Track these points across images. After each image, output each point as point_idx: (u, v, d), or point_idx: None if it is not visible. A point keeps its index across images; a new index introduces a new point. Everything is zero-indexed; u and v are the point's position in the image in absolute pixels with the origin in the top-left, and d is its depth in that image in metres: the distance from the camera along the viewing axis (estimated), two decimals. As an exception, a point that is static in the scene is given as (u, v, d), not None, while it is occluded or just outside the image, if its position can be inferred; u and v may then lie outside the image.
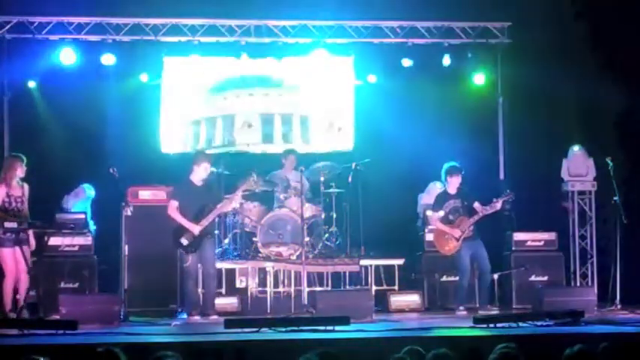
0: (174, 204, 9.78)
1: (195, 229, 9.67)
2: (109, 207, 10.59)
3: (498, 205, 10.25)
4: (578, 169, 11.54)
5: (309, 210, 10.96)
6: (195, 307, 9.86)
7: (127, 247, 9.95)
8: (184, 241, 9.72)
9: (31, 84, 11.68)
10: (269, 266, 10.74)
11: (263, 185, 11.01)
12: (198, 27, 11.79)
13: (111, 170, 9.73)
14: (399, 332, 8.35)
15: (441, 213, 10.35)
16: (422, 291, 10.96)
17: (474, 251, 10.27)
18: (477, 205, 10.28)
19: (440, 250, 10.44)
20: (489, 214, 10.27)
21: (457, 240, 10.22)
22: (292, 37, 11.95)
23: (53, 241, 9.91)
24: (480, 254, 10.28)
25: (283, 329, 8.31)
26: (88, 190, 11.05)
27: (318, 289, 10.63)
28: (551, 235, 11.26)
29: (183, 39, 11.82)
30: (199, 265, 9.94)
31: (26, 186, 9.54)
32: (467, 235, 10.24)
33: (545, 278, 11.02)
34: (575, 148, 11.48)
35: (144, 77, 11.93)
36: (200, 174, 9.88)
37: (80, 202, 11.01)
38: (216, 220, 10.28)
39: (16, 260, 9.23)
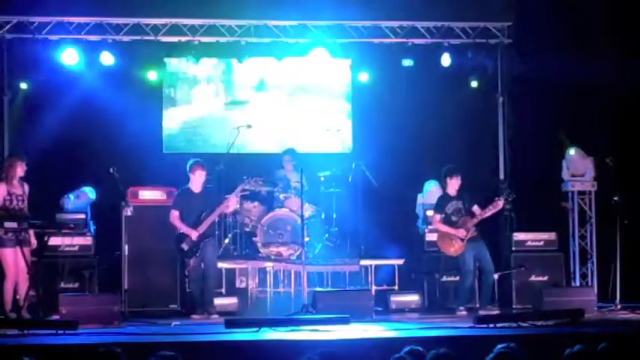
0: (175, 213, 10.15)
1: (193, 234, 10.03)
2: (109, 207, 10.61)
3: (500, 203, 10.24)
4: (577, 169, 11.55)
5: (309, 210, 10.97)
6: (198, 308, 10.08)
7: (127, 247, 9.97)
8: (185, 247, 10.09)
9: (31, 84, 11.67)
10: (269, 266, 10.76)
11: (263, 185, 11.03)
12: (198, 27, 11.77)
13: (111, 170, 9.75)
14: (399, 332, 8.36)
15: (442, 214, 10.35)
16: (422, 291, 10.96)
17: (477, 252, 10.27)
18: (475, 208, 10.30)
19: (445, 252, 10.43)
20: (490, 215, 10.32)
21: (462, 240, 10.22)
22: (292, 37, 11.94)
23: (53, 241, 9.90)
24: (483, 255, 10.28)
25: (283, 329, 8.32)
26: (90, 194, 11.04)
27: (318, 289, 10.62)
28: (551, 235, 11.26)
29: (183, 39, 11.81)
30: (202, 266, 10.16)
31: (26, 185, 9.54)
32: (471, 235, 10.24)
33: (545, 278, 11.03)
34: (572, 151, 11.48)
35: (148, 76, 11.92)
36: (197, 181, 10.18)
37: (81, 204, 10.99)
38: (216, 220, 10.40)
39: (16, 260, 9.24)
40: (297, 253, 10.55)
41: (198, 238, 10.05)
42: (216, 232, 10.83)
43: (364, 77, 12.41)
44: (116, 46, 11.64)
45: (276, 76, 12.61)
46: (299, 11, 11.72)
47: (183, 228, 10.07)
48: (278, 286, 10.84)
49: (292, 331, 8.31)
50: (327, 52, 11.81)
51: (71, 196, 10.96)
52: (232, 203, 10.28)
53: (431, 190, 11.48)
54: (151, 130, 12.31)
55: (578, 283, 11.37)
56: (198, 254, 10.07)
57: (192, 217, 10.10)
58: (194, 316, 10.01)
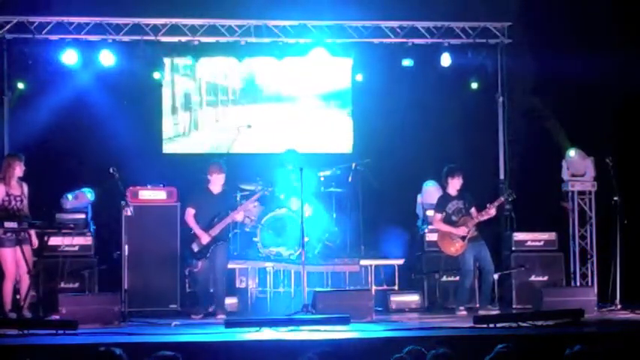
0: (191, 212, 10.09)
1: (204, 238, 9.96)
2: (109, 207, 10.60)
3: (492, 211, 10.28)
4: (577, 169, 11.55)
5: (308, 210, 10.97)
6: (202, 308, 10.08)
7: (127, 247, 9.97)
8: (194, 247, 10.04)
9: (31, 84, 11.67)
10: (269, 266, 10.76)
11: (263, 186, 11.03)
12: (198, 27, 11.78)
13: (111, 170, 9.74)
14: (399, 332, 8.37)
15: (443, 214, 10.35)
16: (422, 291, 10.96)
17: (477, 252, 10.27)
18: (473, 210, 10.31)
19: (445, 252, 10.42)
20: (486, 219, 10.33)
21: (463, 239, 10.21)
22: (292, 37, 11.94)
23: (53, 241, 9.90)
24: (484, 255, 10.29)
25: (283, 329, 8.32)
26: (88, 194, 11.04)
27: (318, 289, 10.62)
28: (551, 235, 11.26)
29: (183, 39, 11.81)
30: (211, 267, 10.11)
31: (25, 185, 9.53)
32: (472, 234, 10.24)
33: (545, 278, 11.04)
34: (572, 152, 11.48)
35: (151, 75, 11.93)
36: (215, 183, 10.12)
37: (80, 204, 10.98)
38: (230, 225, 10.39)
39: (16, 260, 9.24)
40: (297, 253, 10.55)
41: (209, 242, 9.99)
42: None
43: (360, 77, 12.42)
44: (116, 46, 11.65)
45: (276, 75, 12.61)
46: (299, 11, 11.73)
47: (196, 229, 10.01)
48: (278, 286, 10.85)
49: (292, 331, 8.32)
50: (328, 52, 11.82)
51: (69, 197, 10.95)
52: (239, 216, 10.31)
53: (429, 190, 11.47)
54: (151, 130, 12.31)
55: (578, 283, 11.36)
56: (207, 257, 10.02)
57: (206, 218, 10.01)
58: (194, 316, 10.00)
